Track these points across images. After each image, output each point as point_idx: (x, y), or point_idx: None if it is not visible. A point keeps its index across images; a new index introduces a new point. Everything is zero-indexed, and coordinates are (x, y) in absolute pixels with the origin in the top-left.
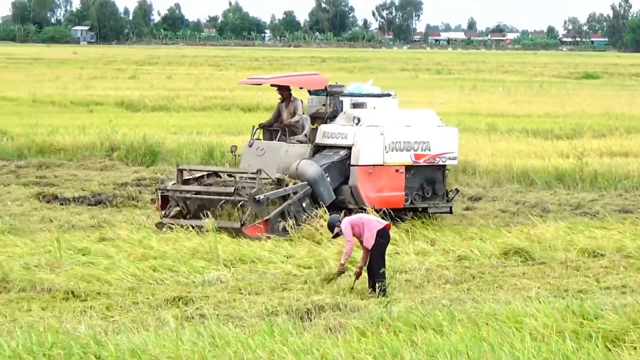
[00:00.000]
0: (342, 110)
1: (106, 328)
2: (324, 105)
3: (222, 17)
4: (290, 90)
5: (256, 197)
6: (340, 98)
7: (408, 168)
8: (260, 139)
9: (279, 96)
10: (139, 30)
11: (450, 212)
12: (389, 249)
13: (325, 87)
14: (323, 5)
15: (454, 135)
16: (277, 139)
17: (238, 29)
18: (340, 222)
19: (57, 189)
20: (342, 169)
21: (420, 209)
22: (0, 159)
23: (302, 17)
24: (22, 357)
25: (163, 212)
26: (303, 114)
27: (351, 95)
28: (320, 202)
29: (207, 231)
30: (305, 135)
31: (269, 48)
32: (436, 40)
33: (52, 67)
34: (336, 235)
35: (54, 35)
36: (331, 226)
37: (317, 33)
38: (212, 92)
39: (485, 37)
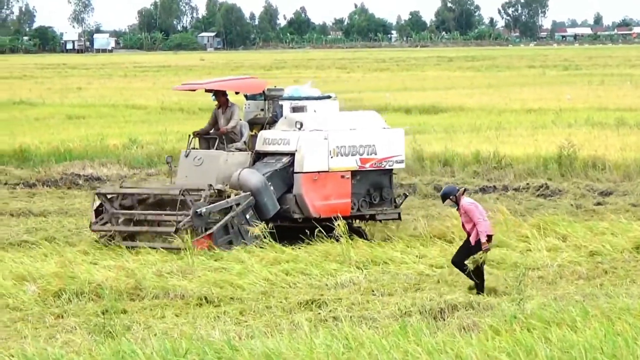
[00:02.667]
0: (282, 115)
1: (240, 333)
2: (262, 110)
3: (348, 19)
4: (226, 95)
5: (197, 210)
6: (280, 102)
7: (354, 173)
8: (196, 148)
9: (215, 102)
10: (265, 35)
11: (399, 219)
12: (521, 245)
13: (263, 91)
14: (449, 4)
15: (400, 137)
16: (214, 147)
17: (364, 30)
18: (457, 196)
19: None
20: (285, 177)
21: (367, 217)
22: (131, 167)
23: (428, 17)
24: None
25: (94, 220)
26: (240, 119)
27: (290, 98)
28: (264, 213)
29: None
30: (244, 142)
31: (396, 49)
32: (563, 36)
33: (179, 74)
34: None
35: (180, 42)
36: (447, 195)
37: (444, 32)
38: (340, 95)
39: (611, 31)
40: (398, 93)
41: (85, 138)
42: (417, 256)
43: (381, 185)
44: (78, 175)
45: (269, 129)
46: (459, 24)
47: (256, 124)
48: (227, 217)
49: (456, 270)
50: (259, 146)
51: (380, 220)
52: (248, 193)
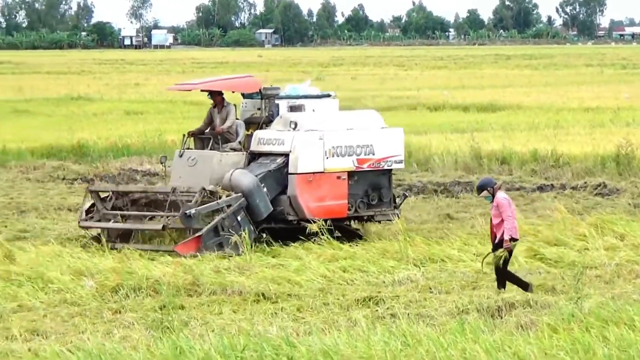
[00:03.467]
0: (278, 114)
1: (297, 329)
2: (259, 109)
3: (406, 16)
4: (222, 95)
5: (187, 211)
6: (276, 101)
7: (351, 174)
8: (191, 148)
9: (211, 102)
10: (323, 32)
11: (398, 219)
12: (579, 244)
13: (260, 90)
14: (507, 2)
15: (399, 136)
16: (209, 147)
17: (422, 28)
18: (494, 188)
19: None
20: (279, 178)
21: (365, 218)
22: None
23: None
24: (215, 359)
25: (83, 217)
26: (237, 119)
27: (288, 97)
28: (256, 215)
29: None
30: (240, 142)
31: (454, 47)
32: (620, 34)
33: (237, 70)
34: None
35: (238, 38)
36: (484, 187)
37: (501, 31)
38: (398, 92)
39: None
40: (456, 91)
41: (143, 134)
42: (474, 254)
43: (380, 186)
44: (135, 170)
45: (265, 128)
46: (517, 22)
47: (252, 124)
48: (217, 219)
49: (513, 268)
50: (254, 146)
51: (379, 222)
52: (240, 194)
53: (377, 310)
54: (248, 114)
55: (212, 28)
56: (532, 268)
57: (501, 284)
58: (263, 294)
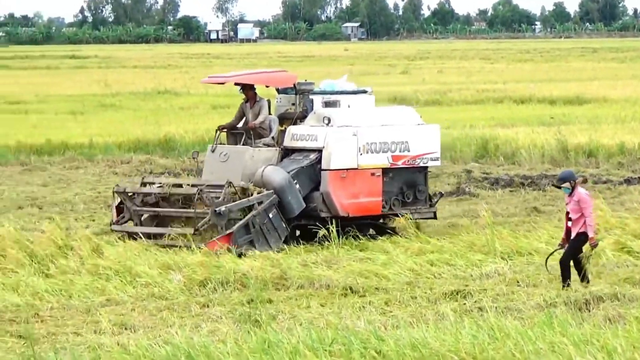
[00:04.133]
0: (312, 110)
1: (385, 323)
2: (293, 104)
3: (492, 10)
4: (254, 89)
5: (217, 209)
6: (310, 96)
7: (385, 171)
8: (224, 144)
9: (243, 96)
10: (409, 25)
11: (434, 217)
12: None
13: (294, 85)
14: None
15: (435, 133)
16: (241, 142)
17: (508, 21)
18: (576, 182)
19: None
20: (312, 174)
21: (401, 216)
22: None
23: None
24: (303, 353)
25: (115, 220)
26: (270, 114)
27: (323, 93)
28: (288, 212)
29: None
30: (273, 137)
31: (540, 40)
32: None
33: (323, 64)
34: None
35: (324, 32)
36: (566, 179)
37: (587, 24)
38: (484, 85)
39: None
40: (542, 84)
41: None
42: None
43: (415, 183)
44: None
45: (299, 124)
46: (603, 15)
47: (286, 119)
48: (248, 216)
49: (601, 261)
50: (287, 142)
51: (415, 220)
52: (271, 191)
53: (464, 304)
54: (282, 109)
55: (298, 22)
56: (620, 261)
57: (584, 278)
58: (351, 288)
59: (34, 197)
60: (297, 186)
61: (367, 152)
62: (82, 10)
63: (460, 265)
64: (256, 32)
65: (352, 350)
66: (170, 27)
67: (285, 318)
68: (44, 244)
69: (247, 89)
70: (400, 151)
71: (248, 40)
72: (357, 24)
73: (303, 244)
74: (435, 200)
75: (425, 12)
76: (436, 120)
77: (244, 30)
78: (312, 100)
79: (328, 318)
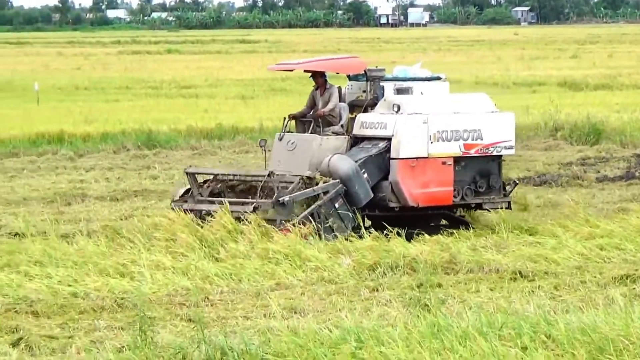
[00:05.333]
0: (382, 97)
1: (555, 307)
2: (364, 91)
3: None
4: (324, 76)
5: (280, 199)
6: (382, 83)
7: (457, 160)
8: (292, 132)
9: (313, 83)
10: (579, 9)
11: (509, 207)
12: None
13: (365, 72)
14: None
15: (510, 121)
16: (310, 130)
17: None
18: None
19: None
20: (381, 163)
21: (473, 205)
22: None
23: None
24: (473, 337)
25: (177, 198)
26: (341, 102)
27: (395, 79)
28: (355, 202)
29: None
30: (342, 125)
31: None
32: None
33: (493, 48)
34: None
35: (494, 16)
36: None
37: None
38: None
39: None
40: None
41: None
42: None
43: (489, 172)
44: None
45: (370, 111)
46: None
47: (357, 107)
48: (313, 206)
49: None
50: (357, 130)
51: (488, 210)
52: (337, 180)
53: (634, 289)
54: (353, 96)
55: (468, 6)
56: None
57: None
58: (520, 272)
59: None
60: (365, 175)
61: (438, 141)
62: None
63: (630, 249)
64: (426, 17)
65: (522, 335)
66: (340, 12)
67: (455, 302)
68: (214, 228)
69: (317, 76)
70: (472, 139)
71: (418, 25)
72: (527, 8)
73: (473, 229)
74: (510, 189)
75: None
76: (606, 105)
77: (414, 15)
78: (382, 87)
79: (497, 302)
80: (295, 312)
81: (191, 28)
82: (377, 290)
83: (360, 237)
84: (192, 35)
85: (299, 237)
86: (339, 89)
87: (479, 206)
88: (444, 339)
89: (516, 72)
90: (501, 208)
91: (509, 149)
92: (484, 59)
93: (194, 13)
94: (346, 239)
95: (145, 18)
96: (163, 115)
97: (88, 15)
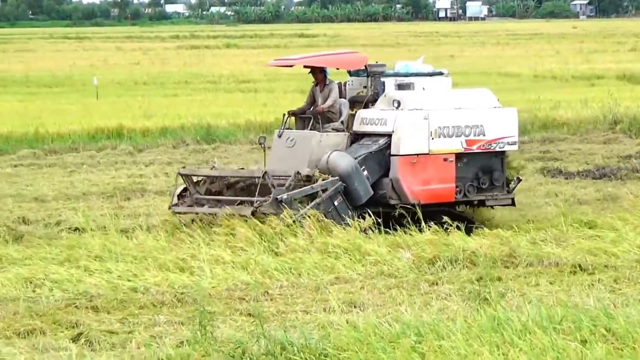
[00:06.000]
0: (383, 93)
1: (614, 301)
2: (365, 87)
3: None
4: (324, 72)
5: (278, 197)
6: (382, 79)
7: (459, 156)
8: (290, 128)
9: (313, 79)
10: (638, 2)
11: (513, 204)
12: None
13: (365, 67)
14: None
15: (513, 116)
16: (309, 127)
17: None
18: None
19: (561, 164)
20: (381, 159)
21: (476, 202)
22: None
23: None
24: (533, 330)
25: (175, 202)
26: (342, 98)
27: (395, 75)
28: (355, 200)
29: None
30: (342, 122)
31: None
32: None
33: (551, 42)
34: None
35: (553, 10)
36: None
37: None
38: None
39: None
40: None
41: None
42: None
43: (491, 168)
44: None
45: (370, 107)
46: None
47: (357, 103)
48: (311, 204)
49: None
50: (357, 126)
51: (491, 207)
52: (336, 178)
53: None
54: (354, 92)
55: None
56: None
57: None
58: (580, 265)
59: None
60: (365, 172)
61: (439, 137)
62: None
63: None
64: (484, 10)
65: (582, 328)
66: (398, 6)
67: (514, 296)
68: (273, 223)
69: (317, 72)
70: (474, 135)
71: (476, 18)
72: (586, 1)
73: (531, 223)
74: (514, 186)
75: None
76: None
77: (472, 8)
78: (383, 83)
79: (557, 296)
80: (354, 306)
81: (249, 22)
82: (437, 284)
83: (420, 230)
84: (251, 29)
85: (358, 230)
86: (340, 85)
87: (481, 203)
88: (503, 332)
89: (575, 66)
90: (505, 205)
91: (512, 144)
92: (542, 52)
93: (253, 7)
94: (405, 233)
95: (204, 13)
96: (222, 109)
97: (147, 10)
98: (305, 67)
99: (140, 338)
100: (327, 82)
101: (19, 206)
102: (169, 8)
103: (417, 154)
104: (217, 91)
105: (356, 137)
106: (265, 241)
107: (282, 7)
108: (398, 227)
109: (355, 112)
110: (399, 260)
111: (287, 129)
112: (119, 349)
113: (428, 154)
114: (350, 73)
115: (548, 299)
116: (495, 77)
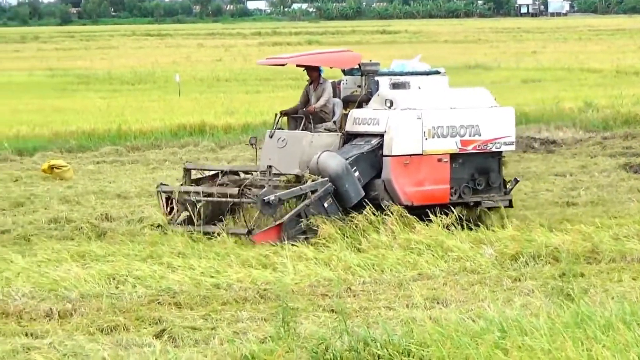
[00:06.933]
0: (377, 92)
1: None
2: (359, 86)
3: None
4: (318, 70)
5: (265, 198)
6: (376, 78)
7: (454, 157)
8: (282, 129)
9: (307, 78)
10: None
11: (510, 205)
12: None
13: (359, 66)
14: None
15: (509, 116)
16: (301, 127)
17: None
18: None
19: None
20: (373, 160)
21: (472, 204)
22: (587, 130)
23: None
24: (616, 326)
25: (169, 218)
26: (335, 97)
27: (390, 74)
28: (345, 201)
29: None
30: (335, 122)
31: None
32: None
33: (634, 37)
34: None
35: (635, 5)
36: None
37: None
38: None
39: None
40: None
41: (540, 101)
42: None
43: (488, 169)
44: (534, 138)
45: (364, 107)
46: None
47: (351, 102)
48: (300, 206)
49: None
50: (349, 126)
51: (488, 208)
52: (326, 179)
53: None
54: (348, 91)
55: None
56: None
57: None
58: None
59: None
60: (357, 173)
61: (433, 137)
62: None
63: None
64: (566, 6)
65: None
66: (480, 2)
67: (597, 292)
68: (355, 219)
69: (310, 71)
70: (470, 135)
71: (558, 14)
72: None
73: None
74: (511, 187)
75: None
76: None
77: (554, 4)
78: (377, 82)
79: None
80: (437, 303)
81: (331, 19)
82: (520, 280)
83: (503, 227)
84: (333, 26)
85: (440, 227)
86: (334, 84)
87: (477, 205)
88: (586, 328)
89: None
90: (501, 207)
91: (509, 145)
92: (624, 47)
93: (334, 4)
94: (488, 229)
95: (286, 9)
96: None
97: (228, 6)
98: (298, 66)
99: (223, 334)
100: (321, 81)
101: (102, 203)
102: (251, 5)
103: (410, 155)
104: (299, 88)
105: (349, 138)
106: (347, 237)
107: (364, 3)
108: (480, 224)
109: (349, 111)
110: (482, 256)
111: (279, 129)
112: (202, 345)
113: (421, 154)
114: (344, 72)
115: (631, 295)
116: (577, 73)
